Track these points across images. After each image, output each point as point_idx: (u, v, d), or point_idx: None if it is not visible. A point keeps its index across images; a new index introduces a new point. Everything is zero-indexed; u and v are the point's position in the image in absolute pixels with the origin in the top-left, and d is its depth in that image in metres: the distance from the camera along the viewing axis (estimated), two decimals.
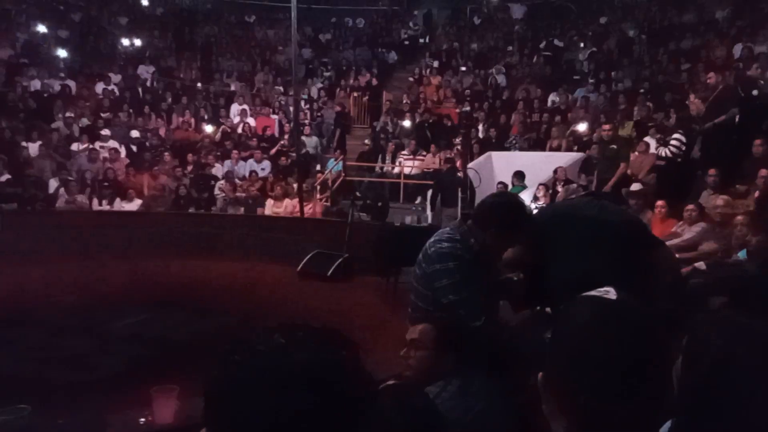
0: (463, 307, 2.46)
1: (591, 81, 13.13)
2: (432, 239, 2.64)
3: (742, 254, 4.37)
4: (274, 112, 14.42)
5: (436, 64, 16.14)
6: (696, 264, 5.10)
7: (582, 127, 10.96)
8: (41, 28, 15.06)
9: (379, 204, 9.26)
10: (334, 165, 12.07)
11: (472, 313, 2.46)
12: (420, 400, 1.67)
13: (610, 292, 0.95)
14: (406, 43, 17.26)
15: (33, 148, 10.93)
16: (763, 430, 0.91)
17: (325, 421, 0.70)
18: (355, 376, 0.75)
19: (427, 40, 17.79)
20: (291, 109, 12.59)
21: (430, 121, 13.35)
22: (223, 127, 13.34)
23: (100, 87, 13.74)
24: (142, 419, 2.57)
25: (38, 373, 4.75)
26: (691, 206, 5.93)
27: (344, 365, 0.75)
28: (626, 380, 0.89)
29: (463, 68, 15.51)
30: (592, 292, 0.97)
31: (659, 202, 6.45)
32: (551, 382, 0.96)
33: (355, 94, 15.15)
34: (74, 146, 11.64)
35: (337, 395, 0.71)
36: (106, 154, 11.42)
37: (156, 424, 2.51)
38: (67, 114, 12.31)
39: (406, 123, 13.36)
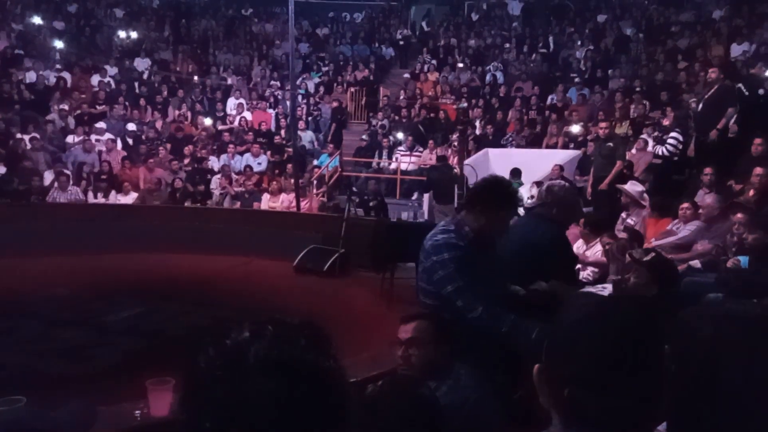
0: (459, 297, 2.48)
1: (584, 78, 13.14)
2: (429, 234, 2.70)
3: (744, 260, 4.33)
4: (270, 107, 14.39)
5: (433, 60, 16.12)
6: (691, 262, 5.14)
7: (575, 128, 10.98)
8: (36, 20, 14.96)
9: (378, 200, 9.29)
10: (329, 161, 12.05)
11: (469, 303, 2.47)
12: (424, 392, 1.69)
13: (606, 289, 0.96)
14: (401, 43, 17.20)
15: (28, 140, 10.89)
16: (755, 413, 0.92)
17: (281, 408, 0.73)
18: (312, 366, 0.77)
19: (424, 37, 17.74)
20: (288, 103, 12.57)
21: (429, 116, 13.35)
22: (218, 122, 13.32)
23: (95, 79, 13.68)
24: (138, 411, 2.57)
25: (33, 365, 4.73)
26: (685, 204, 5.95)
27: (299, 356, 0.77)
28: (614, 375, 0.90)
29: (461, 65, 15.49)
30: (590, 289, 0.98)
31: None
32: (545, 374, 0.97)
33: (352, 90, 15.13)
34: (69, 138, 11.60)
35: (291, 384, 0.74)
36: (102, 147, 11.38)
37: (151, 416, 2.51)
38: (63, 106, 12.25)
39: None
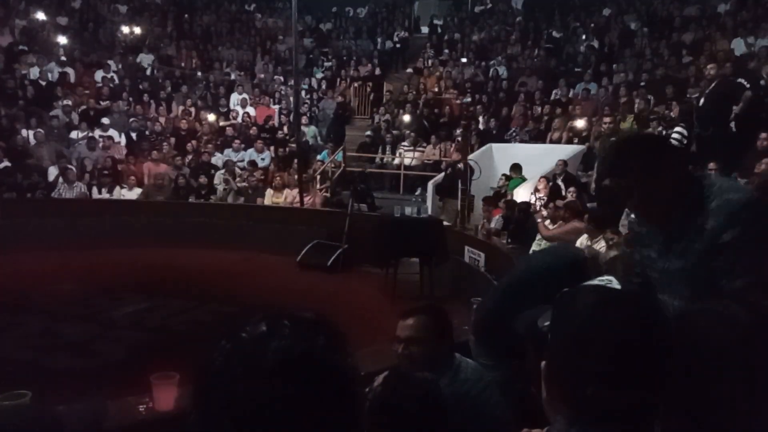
0: None
1: (588, 73, 13.08)
2: None
3: None
4: (274, 102, 14.38)
5: (445, 51, 16.06)
6: None
7: (580, 123, 10.94)
8: (40, 15, 14.96)
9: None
10: (332, 156, 12.02)
11: None
12: (429, 386, 1.69)
13: (612, 282, 0.94)
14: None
15: (32, 135, 10.91)
16: (751, 413, 0.91)
17: (300, 407, 0.72)
18: (331, 364, 0.76)
19: (433, 33, 17.66)
20: (291, 99, 12.56)
21: (435, 111, 13.33)
22: (221, 117, 13.34)
23: (99, 75, 13.69)
24: (142, 406, 2.58)
25: (38, 360, 4.76)
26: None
27: (319, 354, 0.76)
28: (633, 369, 0.89)
29: (464, 59, 15.44)
30: (594, 281, 0.96)
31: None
32: (554, 371, 0.96)
33: (356, 85, 15.10)
34: (73, 134, 11.63)
35: (310, 383, 0.73)
36: (106, 143, 11.41)
37: (156, 410, 2.52)
38: (66, 102, 12.27)
39: (407, 116, 13.32)
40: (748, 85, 7.29)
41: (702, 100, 7.59)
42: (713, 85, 7.50)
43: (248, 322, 0.78)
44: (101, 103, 12.76)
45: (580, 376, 0.90)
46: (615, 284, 0.96)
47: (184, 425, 0.76)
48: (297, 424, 0.71)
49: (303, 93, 13.62)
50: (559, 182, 8.71)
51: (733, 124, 7.33)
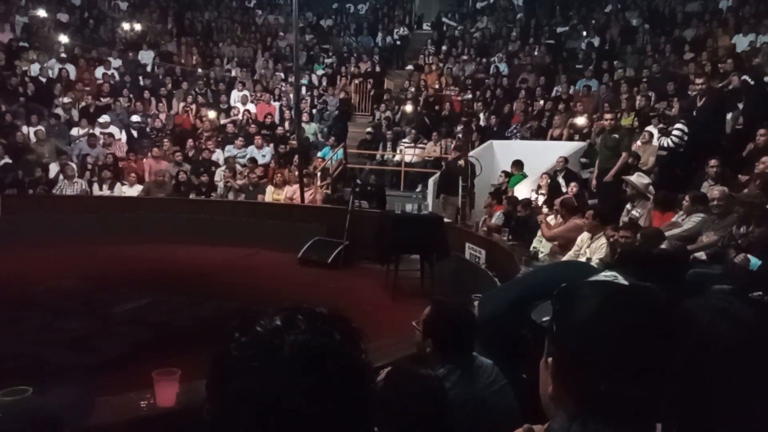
0: None
1: (589, 69, 13.05)
2: None
3: (754, 261, 4.28)
4: (275, 99, 14.36)
5: (437, 50, 16.03)
6: (696, 254, 5.11)
7: (581, 120, 10.92)
8: (41, 12, 14.94)
9: (378, 190, 9.32)
10: (332, 154, 12.02)
11: None
12: (431, 382, 1.68)
13: (618, 278, 0.94)
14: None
15: (33, 132, 10.91)
16: (744, 410, 0.91)
17: (315, 401, 0.71)
18: (347, 360, 0.75)
19: (436, 29, 17.61)
20: (292, 95, 12.54)
21: (435, 108, 13.30)
22: (222, 114, 13.32)
23: (99, 72, 13.68)
24: (144, 402, 2.57)
25: (39, 356, 4.76)
26: (686, 196, 5.89)
27: (335, 349, 0.75)
28: (645, 365, 0.88)
29: (465, 56, 15.41)
30: (599, 277, 0.96)
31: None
32: (563, 367, 0.95)
33: (356, 81, 15.07)
34: (74, 131, 11.62)
35: (325, 378, 0.72)
36: (107, 140, 11.40)
37: (157, 406, 2.51)
38: (67, 98, 12.26)
39: (408, 106, 13.31)
40: (752, 82, 7.27)
41: (695, 113, 7.56)
42: (703, 100, 7.43)
43: (262, 316, 0.77)
44: (102, 99, 12.75)
45: (592, 372, 0.89)
46: (621, 280, 0.95)
47: (199, 417, 0.75)
48: (311, 418, 0.70)
49: (303, 90, 13.59)
50: (560, 179, 8.71)
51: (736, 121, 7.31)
